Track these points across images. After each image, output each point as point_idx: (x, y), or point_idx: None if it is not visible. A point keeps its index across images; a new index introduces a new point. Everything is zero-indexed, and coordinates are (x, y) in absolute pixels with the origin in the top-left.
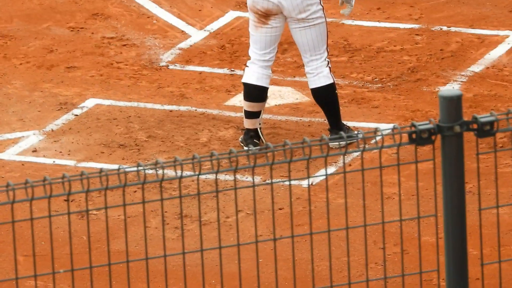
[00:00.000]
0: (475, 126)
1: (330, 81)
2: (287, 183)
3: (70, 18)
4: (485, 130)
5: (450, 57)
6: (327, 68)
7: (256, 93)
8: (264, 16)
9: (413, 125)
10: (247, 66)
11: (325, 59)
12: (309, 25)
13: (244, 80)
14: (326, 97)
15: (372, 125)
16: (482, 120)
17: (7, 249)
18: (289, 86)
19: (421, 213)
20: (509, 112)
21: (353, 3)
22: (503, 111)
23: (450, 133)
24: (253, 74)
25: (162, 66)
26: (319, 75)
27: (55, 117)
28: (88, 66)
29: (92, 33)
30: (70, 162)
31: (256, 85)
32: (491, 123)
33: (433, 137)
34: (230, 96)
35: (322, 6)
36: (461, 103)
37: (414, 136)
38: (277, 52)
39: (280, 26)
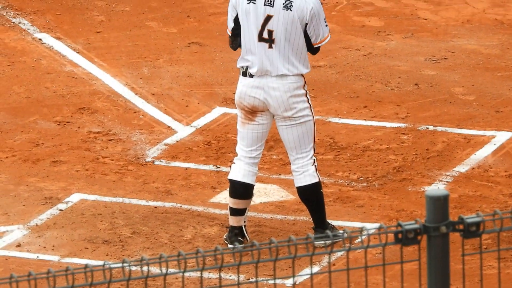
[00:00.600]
0: (461, 227)
1: (315, 179)
2: (271, 281)
3: (57, 112)
4: (471, 231)
5: (436, 157)
6: (313, 167)
7: (242, 190)
8: (251, 112)
9: (399, 225)
10: (233, 162)
11: (311, 157)
12: (296, 123)
13: (230, 176)
14: (311, 196)
15: (357, 224)
16: (469, 221)
17: None
18: (275, 183)
19: None
20: (495, 213)
21: None
22: (489, 212)
23: (436, 234)
24: (239, 171)
25: (148, 161)
26: (304, 173)
27: (39, 212)
28: (74, 161)
29: (79, 127)
30: (54, 258)
31: (242, 182)
32: (477, 224)
33: (419, 237)
34: (215, 193)
35: (310, 104)
36: (448, 203)
37: (400, 236)
38: (263, 149)
39: (267, 123)
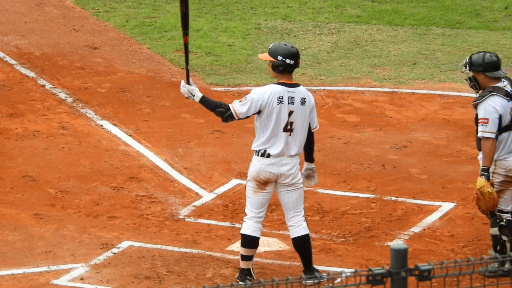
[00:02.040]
0: (416, 272)
1: (307, 232)
2: None
3: (113, 180)
4: (424, 276)
5: (397, 220)
6: (305, 222)
7: (251, 242)
8: (264, 183)
9: (370, 270)
10: (244, 221)
11: (303, 216)
12: (294, 189)
13: (242, 231)
14: (303, 245)
15: (337, 269)
16: (422, 268)
17: None
18: (275, 237)
19: None
20: (442, 263)
21: (317, 180)
22: (436, 262)
23: (398, 277)
24: (250, 228)
25: (180, 218)
26: (299, 227)
27: (98, 254)
28: (125, 216)
29: (129, 191)
30: None
31: (251, 235)
32: (428, 271)
33: (385, 279)
34: (231, 243)
35: (301, 175)
36: (407, 254)
37: (370, 278)
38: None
39: (271, 191)
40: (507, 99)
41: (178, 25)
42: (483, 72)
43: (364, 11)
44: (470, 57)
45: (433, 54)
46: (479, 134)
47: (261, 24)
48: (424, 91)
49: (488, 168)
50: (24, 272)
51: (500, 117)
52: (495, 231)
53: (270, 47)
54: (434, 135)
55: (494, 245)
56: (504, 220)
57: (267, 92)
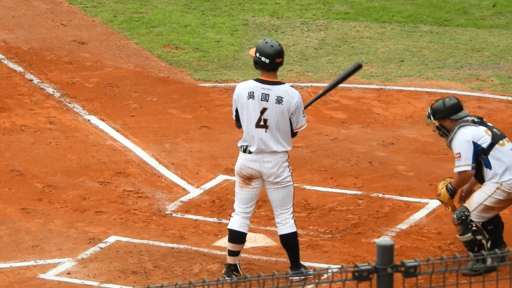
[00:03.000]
0: (403, 269)
1: (294, 230)
2: None
3: (100, 175)
4: (410, 272)
5: (384, 217)
6: (292, 220)
7: (237, 237)
8: (248, 179)
9: (356, 266)
10: (232, 216)
11: (291, 213)
12: (281, 187)
13: (229, 227)
14: (290, 242)
15: (323, 265)
16: (408, 264)
17: None
18: (262, 233)
19: None
20: (428, 260)
21: None
22: (422, 259)
23: (384, 273)
24: (236, 223)
25: (167, 214)
26: (286, 224)
27: (85, 249)
28: (112, 211)
29: (116, 186)
30: (95, 283)
31: (238, 231)
32: (415, 267)
33: (371, 276)
34: (218, 238)
35: (291, 173)
36: (393, 251)
37: (356, 274)
38: (254, 207)
39: (258, 187)
40: (475, 125)
41: (166, 21)
42: (448, 117)
43: (352, 8)
44: (431, 107)
45: (421, 51)
46: (454, 170)
47: (249, 20)
48: (412, 88)
49: (456, 190)
50: (11, 266)
51: (475, 144)
52: (468, 237)
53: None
54: (421, 132)
55: (471, 249)
56: (475, 226)
57: (239, 87)
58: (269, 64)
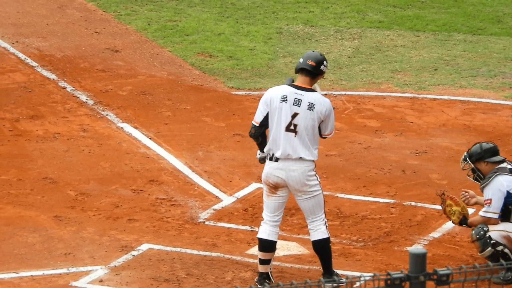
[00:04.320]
0: (435, 277)
1: (326, 236)
2: None
3: (133, 183)
4: (443, 280)
5: (416, 225)
6: (324, 227)
7: (267, 246)
8: (274, 187)
9: (388, 274)
10: (261, 225)
11: (323, 220)
12: (310, 197)
13: (258, 235)
14: (322, 248)
15: (356, 273)
16: (441, 272)
17: None
18: (295, 241)
19: None
20: (461, 268)
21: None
22: (455, 267)
23: (416, 281)
24: (265, 231)
25: (200, 222)
26: (318, 231)
27: (117, 256)
28: (145, 219)
29: (149, 194)
30: None
31: (267, 239)
32: (447, 275)
33: (403, 284)
34: (250, 246)
35: (319, 181)
36: (426, 259)
37: (389, 282)
38: (285, 215)
39: (285, 195)
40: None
41: (199, 29)
42: (484, 160)
43: (386, 17)
44: (468, 151)
45: (454, 60)
46: (480, 213)
47: (283, 28)
48: (445, 97)
49: (469, 226)
50: (43, 273)
51: (509, 194)
52: (489, 251)
53: None
54: (454, 141)
55: (496, 262)
56: (493, 239)
57: (272, 90)
58: (302, 63)
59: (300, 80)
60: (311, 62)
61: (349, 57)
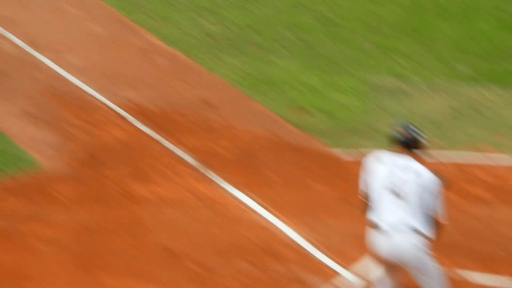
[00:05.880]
0: None
1: None
2: None
3: (252, 257)
4: None
5: None
6: None
7: None
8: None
9: None
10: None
11: None
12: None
13: None
14: None
15: None
16: None
17: None
18: None
19: None
20: None
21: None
22: None
23: None
24: None
25: None
26: None
27: None
28: None
29: (272, 271)
30: None
31: None
32: None
33: None
34: None
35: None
36: None
37: None
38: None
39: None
40: None
41: (293, 83)
42: None
43: (479, 73)
44: None
45: None
46: None
47: (370, 79)
48: None
49: None
50: None
51: None
52: None
53: None
54: None
55: None
56: None
57: (370, 156)
58: (395, 133)
59: (399, 149)
60: (403, 132)
61: (443, 114)
